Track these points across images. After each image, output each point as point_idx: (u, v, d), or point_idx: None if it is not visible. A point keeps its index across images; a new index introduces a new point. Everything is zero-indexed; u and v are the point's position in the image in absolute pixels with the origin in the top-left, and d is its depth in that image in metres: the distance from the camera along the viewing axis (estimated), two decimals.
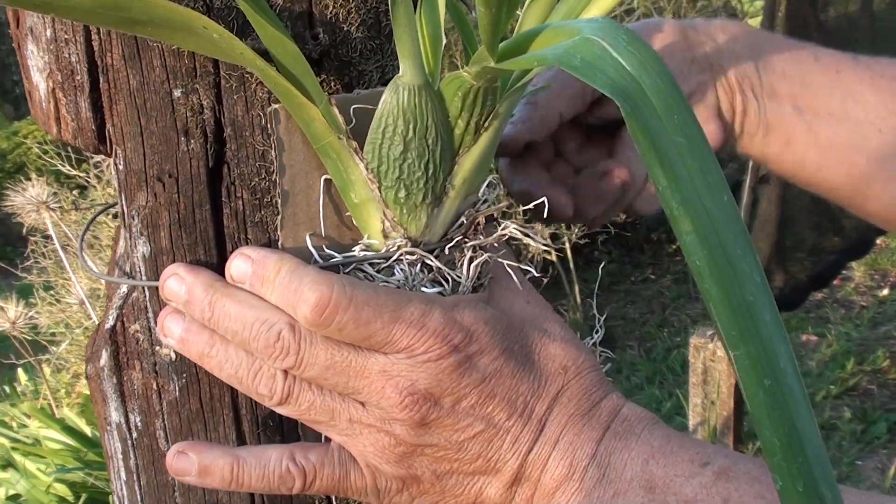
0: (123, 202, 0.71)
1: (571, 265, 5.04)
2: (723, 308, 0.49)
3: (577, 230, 5.00)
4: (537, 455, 0.67)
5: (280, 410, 0.68)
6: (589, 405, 0.69)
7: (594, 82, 0.51)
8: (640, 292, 5.72)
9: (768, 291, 0.50)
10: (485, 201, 0.73)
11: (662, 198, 0.50)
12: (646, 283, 5.85)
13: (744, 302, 0.49)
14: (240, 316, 0.66)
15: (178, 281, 0.68)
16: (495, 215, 0.74)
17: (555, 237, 4.90)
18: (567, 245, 4.98)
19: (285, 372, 0.67)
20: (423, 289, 0.68)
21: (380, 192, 0.68)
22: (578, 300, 5.14)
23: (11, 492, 2.82)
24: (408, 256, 0.68)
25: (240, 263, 0.67)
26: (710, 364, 3.35)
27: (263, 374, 0.67)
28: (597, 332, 0.78)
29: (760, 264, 0.51)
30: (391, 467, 0.68)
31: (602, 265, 5.92)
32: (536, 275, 0.75)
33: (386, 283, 0.68)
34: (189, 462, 0.69)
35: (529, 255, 4.20)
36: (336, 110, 0.66)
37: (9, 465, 2.91)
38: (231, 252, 0.69)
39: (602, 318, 0.79)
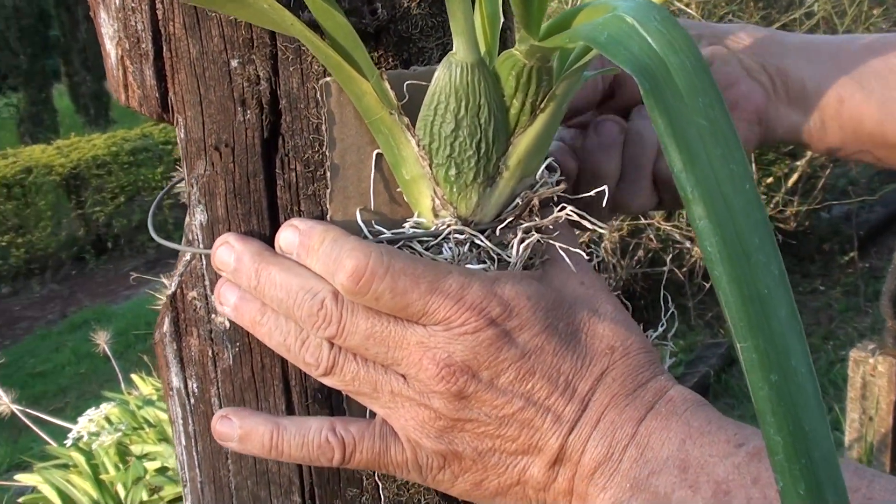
0: (185, 171, 0.73)
1: None
2: (732, 297, 0.47)
3: None
4: (578, 435, 0.66)
5: (326, 381, 0.69)
6: (634, 386, 0.67)
7: (616, 58, 0.50)
8: (807, 303, 5.58)
9: (786, 286, 0.48)
10: (543, 184, 0.71)
11: (677, 180, 0.48)
12: (814, 293, 5.70)
13: (757, 294, 0.47)
14: (284, 284, 0.67)
15: (228, 249, 0.69)
16: (554, 198, 0.72)
17: None
18: None
19: (331, 342, 0.67)
20: (470, 267, 0.67)
21: (431, 169, 0.67)
22: None
23: (163, 464, 2.90)
24: (457, 235, 0.68)
25: (288, 234, 0.68)
26: (870, 379, 3.25)
27: (310, 343, 0.68)
28: (662, 325, 0.76)
29: (780, 257, 0.49)
30: (432, 442, 0.67)
31: None
32: (588, 257, 0.74)
33: (434, 261, 0.68)
34: (231, 427, 0.70)
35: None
36: (388, 85, 0.66)
37: (163, 439, 3.00)
38: (283, 222, 0.70)
39: (669, 312, 0.77)
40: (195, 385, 0.75)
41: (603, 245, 4.93)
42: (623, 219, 4.91)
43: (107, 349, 3.52)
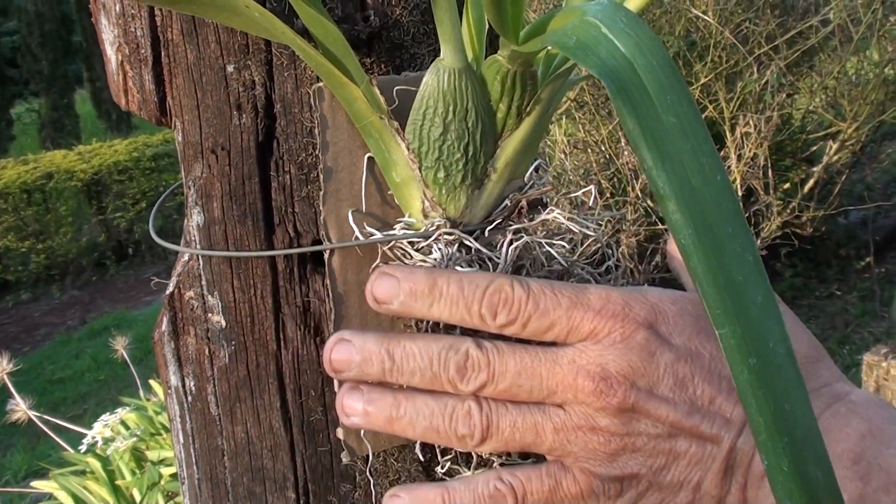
0: (182, 174, 0.74)
1: None
2: (708, 286, 0.49)
3: (758, 241, 4.89)
4: (746, 439, 0.65)
5: (485, 448, 0.67)
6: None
7: (585, 63, 0.52)
8: (823, 308, 5.57)
9: (761, 271, 0.49)
10: (532, 186, 0.73)
11: (649, 178, 0.50)
12: (830, 298, 5.69)
13: (731, 281, 0.49)
14: (424, 350, 0.66)
15: (346, 345, 0.67)
16: (544, 199, 0.74)
17: None
18: None
19: (478, 403, 0.66)
20: (459, 268, 0.69)
21: (420, 172, 0.69)
22: None
23: None
24: (446, 236, 0.69)
25: (384, 282, 0.66)
26: (884, 383, 3.25)
27: (458, 413, 0.66)
28: None
29: (755, 244, 0.50)
30: (606, 468, 0.65)
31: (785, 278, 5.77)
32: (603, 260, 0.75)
33: (423, 262, 0.69)
34: (400, 502, 0.70)
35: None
36: (377, 91, 0.68)
37: None
38: (278, 224, 0.72)
39: None
40: (192, 383, 0.76)
41: (620, 249, 4.93)
42: (640, 224, 4.91)
43: (125, 355, 3.54)
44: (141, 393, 3.45)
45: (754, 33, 4.81)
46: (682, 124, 0.50)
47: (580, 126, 5.11)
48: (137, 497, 2.91)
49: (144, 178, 10.07)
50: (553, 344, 0.66)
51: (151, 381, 3.51)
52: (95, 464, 2.99)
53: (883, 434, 0.63)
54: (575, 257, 0.74)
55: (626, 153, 4.90)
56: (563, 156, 5.06)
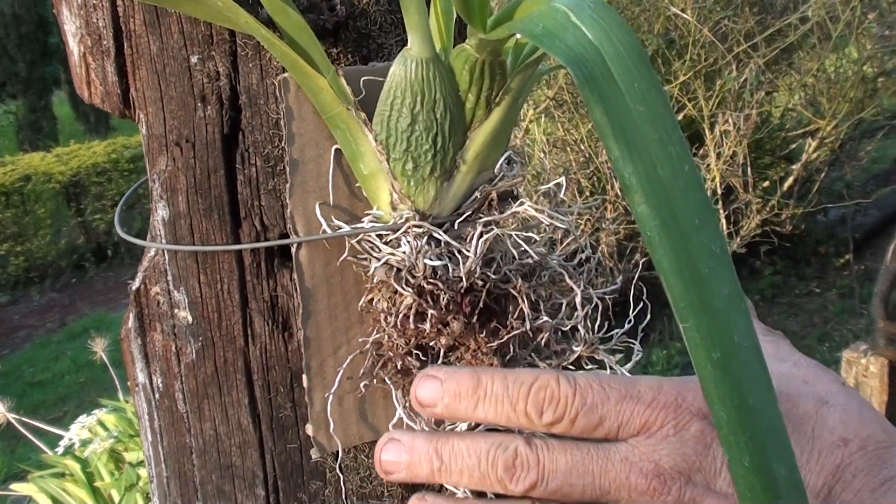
0: (147, 167, 0.73)
1: None
2: (674, 280, 0.48)
3: (738, 239, 4.90)
4: None
5: None
6: (881, 480, 0.61)
7: (552, 50, 0.51)
8: (803, 305, 5.58)
9: (728, 264, 0.49)
10: (503, 177, 0.72)
11: (615, 168, 0.49)
12: (810, 296, 5.70)
13: (697, 274, 0.48)
14: (473, 448, 0.64)
15: (395, 445, 0.67)
16: (514, 191, 0.73)
17: None
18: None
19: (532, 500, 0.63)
20: (428, 261, 0.68)
21: (388, 163, 0.68)
22: None
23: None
24: (415, 229, 0.68)
25: (427, 385, 0.65)
26: (863, 380, 3.25)
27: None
28: (629, 322, 0.76)
29: (723, 236, 0.49)
30: None
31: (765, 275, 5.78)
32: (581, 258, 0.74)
33: (392, 255, 0.68)
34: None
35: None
36: (344, 81, 0.67)
37: None
38: (244, 218, 0.71)
39: (638, 308, 0.77)
40: (159, 380, 0.75)
41: (600, 248, 4.93)
42: (619, 222, 4.91)
43: (104, 357, 3.52)
44: (120, 395, 3.43)
45: (733, 31, 4.82)
46: (650, 113, 0.49)
47: (559, 125, 5.11)
48: (116, 498, 2.89)
49: (123, 180, 10.02)
50: (606, 440, 0.63)
51: (130, 383, 3.49)
52: (74, 466, 2.97)
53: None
54: (546, 251, 0.73)
55: (604, 152, 4.90)
56: (542, 155, 5.05)
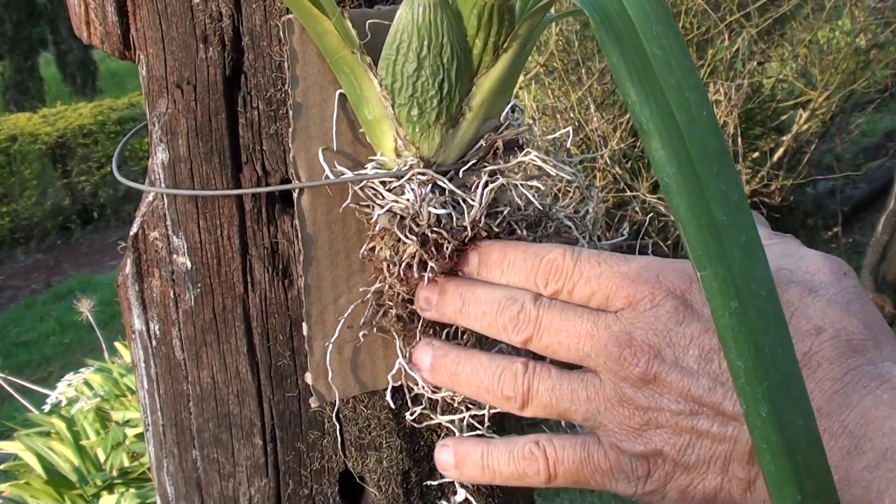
0: (147, 110, 0.72)
1: None
2: (691, 227, 0.48)
3: None
4: None
5: (527, 412, 0.69)
6: (844, 370, 0.60)
7: None
8: None
9: (746, 211, 0.48)
10: (508, 126, 0.71)
11: (632, 112, 0.49)
12: None
13: (714, 222, 0.48)
14: (488, 296, 0.69)
15: (432, 285, 0.71)
16: (520, 140, 0.72)
17: None
18: None
19: (524, 366, 0.68)
20: (432, 210, 0.67)
21: (393, 109, 0.67)
22: None
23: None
24: (419, 177, 0.67)
25: (472, 256, 0.71)
26: None
27: (505, 375, 0.68)
28: None
29: (741, 183, 0.49)
30: (632, 444, 0.65)
31: None
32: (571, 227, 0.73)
33: (395, 202, 0.67)
34: (448, 454, 0.73)
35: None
36: (349, 24, 0.66)
37: None
38: (245, 162, 0.70)
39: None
40: (157, 327, 0.74)
41: (589, 217, 4.93)
42: (609, 191, 4.91)
43: (90, 318, 3.51)
44: (106, 356, 3.43)
45: (726, 0, 4.80)
46: (667, 57, 0.48)
47: (549, 92, 5.09)
48: (102, 457, 2.89)
49: (109, 142, 9.98)
50: (601, 311, 0.67)
51: (117, 344, 3.49)
52: (60, 424, 2.97)
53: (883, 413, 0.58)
54: (551, 202, 0.73)
55: (595, 120, 4.89)
56: (531, 122, 5.04)
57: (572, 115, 5.04)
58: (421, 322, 0.72)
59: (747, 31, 4.85)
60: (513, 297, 0.68)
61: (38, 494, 2.83)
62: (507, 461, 0.69)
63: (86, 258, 9.04)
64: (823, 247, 5.75)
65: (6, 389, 3.21)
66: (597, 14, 0.49)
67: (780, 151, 5.35)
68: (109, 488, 2.76)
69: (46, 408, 3.01)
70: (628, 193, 4.83)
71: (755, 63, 5.08)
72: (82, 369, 3.12)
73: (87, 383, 3.12)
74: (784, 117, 5.52)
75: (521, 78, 4.76)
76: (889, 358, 0.62)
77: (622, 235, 0.77)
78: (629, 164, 4.91)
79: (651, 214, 4.81)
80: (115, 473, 2.78)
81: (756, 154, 5.33)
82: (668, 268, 0.65)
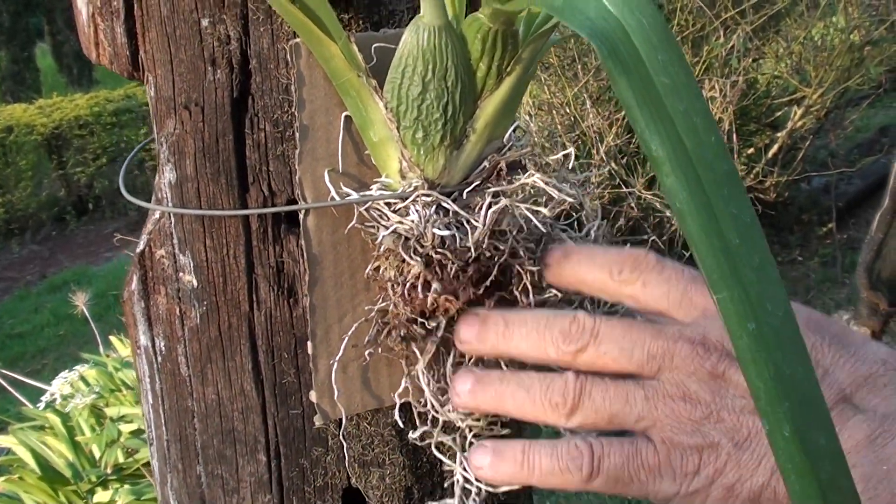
0: (155, 130, 0.73)
1: None
2: (705, 251, 0.48)
3: None
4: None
5: (575, 419, 0.67)
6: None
7: (573, 23, 0.51)
8: (785, 273, 5.61)
9: (759, 233, 0.49)
10: (511, 147, 0.72)
11: (642, 140, 0.49)
12: (792, 264, 5.73)
13: (728, 245, 0.48)
14: (535, 315, 0.68)
15: (472, 318, 0.70)
16: (522, 161, 0.73)
17: None
18: None
19: (576, 373, 0.67)
20: (436, 231, 0.67)
21: (398, 131, 0.67)
22: None
23: (139, 427, 2.90)
24: (424, 198, 0.68)
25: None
26: None
27: (555, 383, 0.67)
28: None
29: (751, 205, 0.50)
30: (688, 437, 0.65)
31: None
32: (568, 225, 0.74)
33: (400, 223, 0.68)
34: (485, 450, 0.70)
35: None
36: (356, 48, 0.66)
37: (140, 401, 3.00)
38: (252, 183, 0.71)
39: None
40: (162, 343, 0.75)
41: (584, 213, 4.94)
42: (604, 187, 4.92)
43: (85, 310, 3.52)
44: (101, 349, 3.43)
45: None
46: (674, 84, 0.49)
47: (545, 88, 5.10)
48: (97, 453, 2.90)
49: (105, 134, 9.98)
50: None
51: (111, 337, 3.50)
52: (55, 419, 2.97)
53: None
54: (553, 220, 0.73)
55: (591, 115, 4.90)
56: (527, 117, 5.04)
57: (568, 111, 5.05)
58: (429, 341, 0.72)
59: (742, 28, 4.86)
60: (562, 313, 0.68)
61: (31, 490, 2.83)
62: (550, 455, 0.67)
63: (81, 249, 9.04)
64: (818, 243, 5.76)
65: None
66: (604, 46, 0.49)
67: (775, 148, 5.37)
68: (104, 484, 2.76)
69: (41, 405, 3.01)
70: (624, 190, 4.84)
71: (750, 60, 5.09)
72: (77, 366, 3.12)
73: (83, 379, 3.12)
74: (779, 114, 5.54)
75: None
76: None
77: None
78: (624, 160, 4.92)
79: (647, 210, 4.82)
80: (109, 470, 2.79)
81: (751, 150, 5.34)
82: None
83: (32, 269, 8.66)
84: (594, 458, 0.66)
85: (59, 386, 3.03)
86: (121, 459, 2.82)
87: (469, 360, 0.72)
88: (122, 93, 10.57)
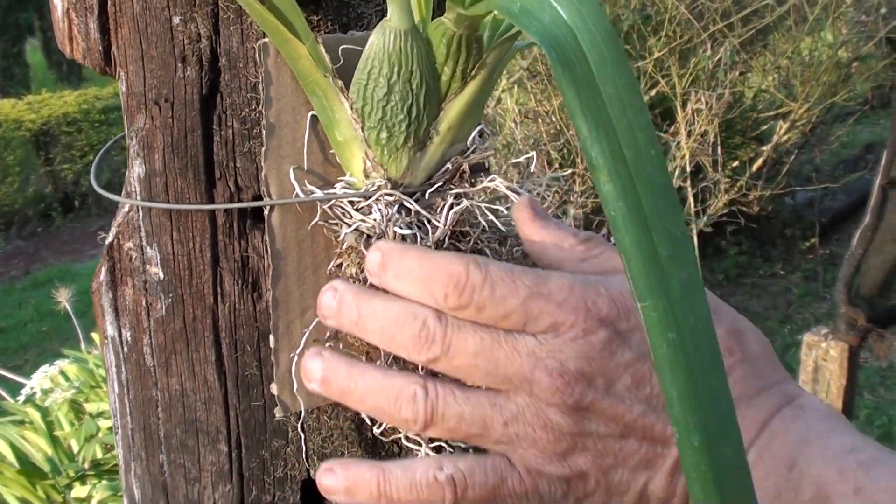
0: (125, 124, 0.74)
1: (697, 253, 4.97)
2: (634, 259, 0.49)
3: (705, 218, 4.93)
4: None
5: (429, 433, 0.65)
6: (757, 389, 0.65)
7: (527, 29, 0.52)
8: (767, 287, 5.63)
9: (688, 247, 0.50)
10: (475, 150, 0.73)
11: (583, 147, 0.50)
12: (774, 277, 5.75)
13: (657, 256, 0.49)
14: (385, 311, 0.64)
15: (332, 293, 0.67)
16: (486, 164, 0.74)
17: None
18: (694, 232, 4.92)
19: (424, 389, 0.63)
20: (398, 230, 0.69)
21: (363, 132, 0.69)
22: None
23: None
24: (386, 197, 0.69)
25: (373, 256, 0.66)
26: (822, 363, 3.29)
27: (403, 396, 0.64)
28: None
29: (683, 219, 0.51)
30: (554, 467, 0.63)
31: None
32: None
33: (363, 222, 0.70)
34: (336, 479, 0.66)
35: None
36: (323, 49, 0.68)
37: None
38: (219, 178, 0.72)
39: None
40: (128, 334, 0.77)
41: (568, 221, 4.95)
42: (588, 195, 4.93)
43: (68, 307, 3.51)
44: (83, 345, 3.43)
45: (709, 10, 4.83)
46: (620, 96, 0.50)
47: (532, 96, 5.11)
48: (75, 448, 2.90)
49: (93, 131, 9.97)
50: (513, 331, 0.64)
51: (93, 334, 3.49)
52: (34, 414, 2.97)
53: (820, 440, 0.62)
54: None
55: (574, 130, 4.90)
56: (513, 125, 5.06)
57: (553, 119, 5.06)
58: None
59: (730, 42, 4.88)
60: (412, 312, 0.63)
61: (9, 484, 2.83)
62: (408, 489, 0.64)
63: (66, 246, 9.02)
64: (800, 257, 5.78)
65: None
66: (555, 52, 0.50)
67: (760, 161, 5.39)
68: (82, 479, 2.76)
69: (21, 399, 3.01)
70: None
71: (737, 73, 5.11)
72: (58, 360, 3.12)
73: (63, 374, 3.12)
74: (764, 127, 5.56)
75: (504, 81, 4.78)
76: (787, 378, 0.68)
77: None
78: None
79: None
80: (87, 465, 2.79)
81: (736, 163, 5.36)
82: (594, 292, 0.63)
83: (17, 264, 8.64)
84: (457, 492, 0.63)
85: (39, 380, 3.03)
86: (99, 455, 2.82)
87: None
88: (111, 90, 10.56)
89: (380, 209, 0.69)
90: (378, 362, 0.70)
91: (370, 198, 0.70)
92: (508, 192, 0.72)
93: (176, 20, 0.71)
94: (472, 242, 0.72)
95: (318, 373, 0.66)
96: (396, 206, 0.70)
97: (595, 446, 0.63)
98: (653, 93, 4.94)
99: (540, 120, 5.13)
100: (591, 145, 0.49)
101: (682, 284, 0.49)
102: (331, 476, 0.66)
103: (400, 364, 0.69)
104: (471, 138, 0.73)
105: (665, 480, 0.64)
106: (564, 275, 0.64)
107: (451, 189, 0.71)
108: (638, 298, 0.49)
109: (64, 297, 3.54)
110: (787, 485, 0.61)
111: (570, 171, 4.91)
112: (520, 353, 0.62)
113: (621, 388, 0.63)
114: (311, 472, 0.77)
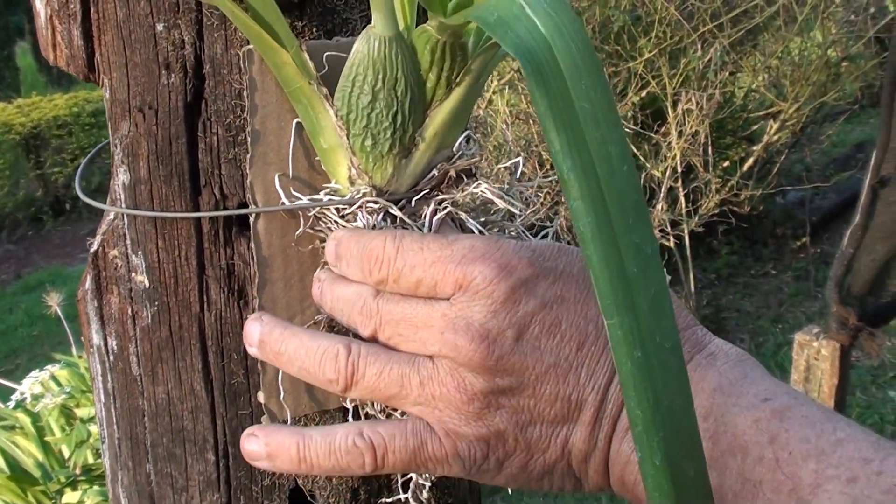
0: (110, 131, 0.74)
1: (689, 253, 4.98)
2: (602, 276, 0.49)
3: (696, 218, 4.93)
4: (616, 388, 0.63)
5: (351, 395, 0.67)
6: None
7: (503, 41, 0.52)
8: (758, 286, 5.64)
9: (657, 266, 0.50)
10: (461, 156, 0.73)
11: (555, 161, 0.50)
12: (766, 277, 5.76)
13: (625, 273, 0.49)
14: (343, 294, 0.69)
15: (318, 283, 0.72)
16: (472, 170, 0.74)
17: (674, 224, 4.86)
18: (685, 232, 4.92)
19: (347, 349, 0.66)
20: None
21: (348, 139, 0.69)
22: (693, 289, 5.08)
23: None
24: (371, 205, 0.69)
25: (329, 246, 0.70)
26: (814, 363, 3.29)
27: (327, 356, 0.66)
28: None
29: (655, 236, 0.50)
30: (471, 428, 0.64)
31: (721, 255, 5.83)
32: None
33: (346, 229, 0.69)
34: (258, 444, 0.69)
35: None
36: (307, 56, 0.68)
37: None
38: (204, 186, 0.72)
39: None
40: (114, 342, 0.76)
41: (559, 222, 4.95)
42: None
43: (59, 311, 3.51)
44: (73, 350, 3.42)
45: (699, 10, 4.83)
46: (594, 111, 0.50)
47: (523, 97, 5.11)
48: (66, 453, 2.89)
49: (84, 134, 9.95)
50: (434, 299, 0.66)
51: (85, 344, 3.48)
52: (25, 419, 2.96)
53: (733, 389, 0.62)
54: (504, 224, 0.74)
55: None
56: (504, 126, 5.06)
57: None
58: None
59: (720, 42, 4.88)
60: (359, 291, 0.67)
61: (0, 490, 2.83)
62: (327, 454, 0.66)
63: (57, 250, 9.00)
64: (791, 256, 5.79)
65: None
66: (529, 64, 0.50)
67: (751, 161, 5.39)
68: (73, 485, 2.76)
69: (12, 404, 3.01)
70: None
71: (727, 73, 5.11)
72: (48, 366, 3.12)
73: (54, 379, 3.12)
74: (755, 127, 5.56)
75: (495, 83, 4.78)
76: (696, 322, 0.68)
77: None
78: None
79: None
80: (78, 471, 2.78)
81: (726, 163, 5.37)
82: (494, 246, 0.64)
83: (8, 268, 8.62)
84: (377, 456, 0.66)
85: (30, 385, 3.02)
86: (90, 460, 2.82)
87: None
88: (101, 94, 10.50)
89: (364, 216, 0.69)
90: None
91: (354, 205, 0.70)
92: (494, 198, 0.72)
93: (160, 27, 0.70)
94: None
95: (256, 336, 0.69)
96: (381, 213, 0.70)
97: (509, 403, 0.64)
98: (643, 93, 4.94)
99: (531, 121, 5.13)
100: (562, 160, 0.49)
101: (650, 301, 0.49)
102: (253, 441, 0.69)
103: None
104: (457, 144, 0.73)
105: (585, 432, 0.64)
106: (472, 236, 0.65)
107: (437, 196, 0.71)
108: (605, 316, 0.49)
109: (55, 301, 3.53)
110: (703, 434, 0.60)
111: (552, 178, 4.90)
112: (434, 317, 0.64)
113: (529, 339, 0.63)
114: (299, 481, 0.77)
